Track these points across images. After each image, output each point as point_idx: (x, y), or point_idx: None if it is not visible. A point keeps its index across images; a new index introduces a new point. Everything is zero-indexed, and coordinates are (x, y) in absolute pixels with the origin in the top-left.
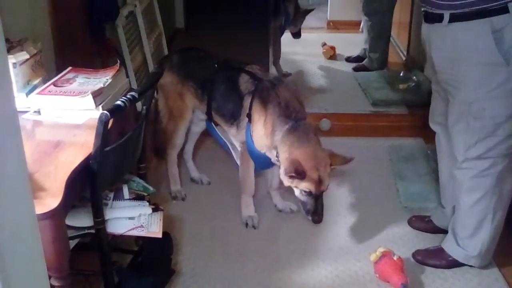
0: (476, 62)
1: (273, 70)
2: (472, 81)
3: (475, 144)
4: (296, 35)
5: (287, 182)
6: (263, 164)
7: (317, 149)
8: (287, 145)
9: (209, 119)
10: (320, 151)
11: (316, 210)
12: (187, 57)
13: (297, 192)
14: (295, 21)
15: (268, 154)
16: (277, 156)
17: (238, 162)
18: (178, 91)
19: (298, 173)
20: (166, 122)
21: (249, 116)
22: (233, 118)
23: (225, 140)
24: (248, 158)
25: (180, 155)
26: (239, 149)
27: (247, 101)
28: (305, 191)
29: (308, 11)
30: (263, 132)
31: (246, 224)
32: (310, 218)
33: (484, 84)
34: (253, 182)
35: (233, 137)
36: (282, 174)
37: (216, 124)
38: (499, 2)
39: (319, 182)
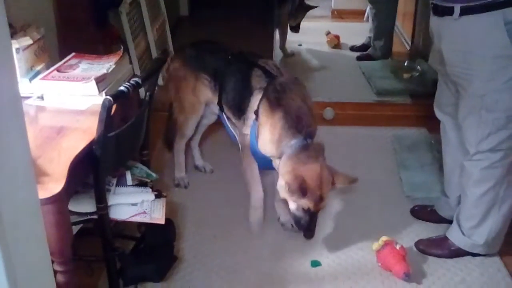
0: (489, 55)
1: (278, 52)
2: (484, 73)
3: (487, 136)
4: (295, 29)
5: (285, 195)
6: (265, 164)
7: (323, 168)
8: (293, 161)
9: (221, 109)
10: (325, 170)
11: (309, 226)
12: (200, 50)
13: (293, 206)
14: (296, 13)
15: (271, 158)
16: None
17: None
18: (191, 86)
19: (301, 190)
20: (177, 113)
21: (256, 113)
22: (240, 111)
23: (234, 133)
24: (248, 153)
25: (187, 142)
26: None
27: (256, 97)
28: (303, 208)
29: (311, 7)
30: (269, 137)
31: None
32: (302, 233)
33: (497, 77)
34: (259, 179)
35: (239, 129)
36: (281, 187)
37: (228, 117)
38: None
39: (319, 200)
